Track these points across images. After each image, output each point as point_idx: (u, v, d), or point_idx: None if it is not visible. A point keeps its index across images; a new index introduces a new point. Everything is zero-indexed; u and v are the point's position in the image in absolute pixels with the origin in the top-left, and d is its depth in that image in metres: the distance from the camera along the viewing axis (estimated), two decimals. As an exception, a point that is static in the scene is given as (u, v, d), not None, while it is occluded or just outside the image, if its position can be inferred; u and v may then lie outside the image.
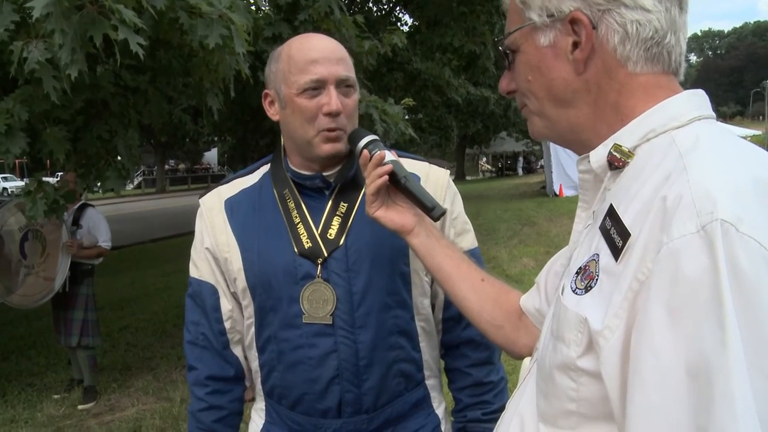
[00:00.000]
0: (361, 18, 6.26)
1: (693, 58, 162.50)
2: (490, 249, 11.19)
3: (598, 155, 0.94)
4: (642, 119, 0.90)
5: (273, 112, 1.58)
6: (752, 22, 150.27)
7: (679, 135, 0.86)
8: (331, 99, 1.45)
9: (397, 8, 13.91)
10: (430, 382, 1.67)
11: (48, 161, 5.19)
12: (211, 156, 51.01)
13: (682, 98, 0.91)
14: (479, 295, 1.31)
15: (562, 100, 0.96)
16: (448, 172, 1.68)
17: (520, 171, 47.11)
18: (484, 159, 56.74)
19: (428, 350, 1.65)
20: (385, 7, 14.08)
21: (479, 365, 1.67)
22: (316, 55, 1.47)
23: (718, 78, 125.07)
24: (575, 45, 0.91)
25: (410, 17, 13.86)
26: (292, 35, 5.15)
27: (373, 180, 1.34)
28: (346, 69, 1.50)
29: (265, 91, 1.59)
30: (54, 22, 2.86)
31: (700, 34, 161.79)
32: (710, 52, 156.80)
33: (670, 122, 0.88)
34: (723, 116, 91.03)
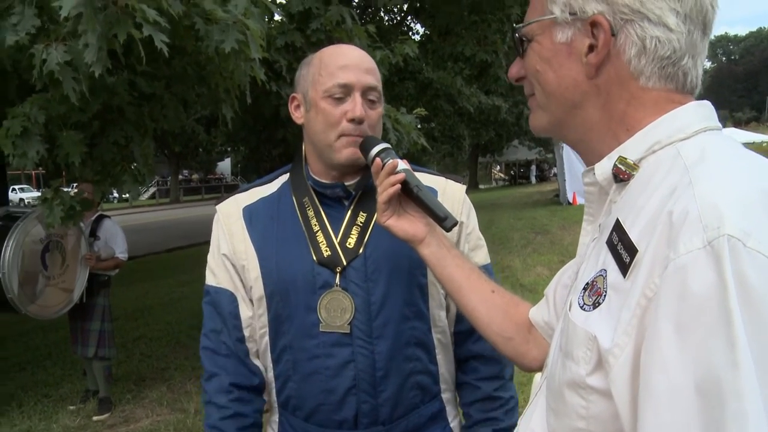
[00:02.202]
0: (372, 28, 6.27)
1: (707, 63, 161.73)
2: (503, 258, 11.15)
3: (603, 168, 0.93)
4: (647, 131, 0.89)
5: (298, 116, 1.59)
6: (767, 27, 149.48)
7: (685, 147, 0.85)
8: (356, 105, 1.47)
9: (409, 17, 13.96)
10: (446, 396, 1.66)
11: (63, 171, 5.23)
12: (225, 166, 51.36)
13: (688, 110, 0.89)
14: (489, 307, 1.30)
15: (570, 99, 0.95)
16: (464, 187, 1.69)
17: (533, 179, 47.02)
18: (497, 167, 56.68)
19: (444, 363, 1.64)
20: (397, 16, 14.13)
21: (489, 379, 1.65)
22: (346, 62, 1.50)
23: (733, 84, 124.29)
24: (591, 48, 0.90)
25: (422, 26, 13.90)
26: (305, 44, 5.17)
27: (386, 188, 1.33)
28: (374, 79, 1.52)
29: (293, 94, 1.60)
30: (85, 22, 2.88)
31: (714, 38, 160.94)
32: (724, 58, 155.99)
33: (675, 134, 0.87)
34: (738, 122, 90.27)
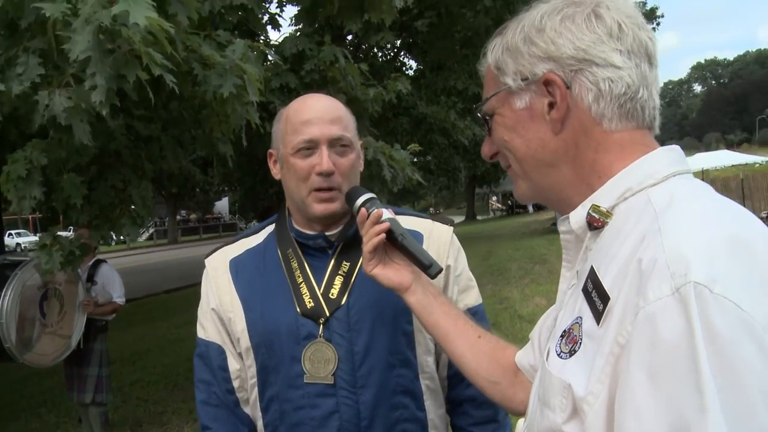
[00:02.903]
0: (365, 66, 6.36)
1: (698, 87, 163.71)
2: (501, 289, 11.13)
3: (578, 216, 0.95)
4: (618, 178, 0.91)
5: (276, 171, 1.62)
6: (754, 50, 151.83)
7: (655, 193, 0.87)
8: (323, 159, 1.48)
9: (402, 53, 14.15)
10: None
11: (61, 216, 5.24)
12: (222, 205, 51.39)
13: (657, 155, 0.92)
14: (475, 352, 1.31)
15: (541, 160, 0.98)
16: (452, 228, 1.69)
17: (530, 208, 47.10)
18: (494, 198, 56.92)
19: (433, 408, 1.63)
20: (390, 52, 14.33)
21: (482, 424, 1.65)
22: (309, 116, 1.51)
23: (724, 106, 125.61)
24: (551, 105, 0.94)
25: (415, 62, 14.09)
26: (299, 85, 5.25)
27: (371, 238, 1.35)
28: (340, 129, 1.53)
29: (270, 150, 1.63)
30: (94, 64, 2.94)
31: (704, 62, 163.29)
32: (713, 81, 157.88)
33: (645, 180, 0.89)
34: (730, 144, 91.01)
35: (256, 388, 1.60)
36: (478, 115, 1.07)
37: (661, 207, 0.82)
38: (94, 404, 5.59)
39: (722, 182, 21.72)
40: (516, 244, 19.07)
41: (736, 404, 0.66)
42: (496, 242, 21.08)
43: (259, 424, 1.63)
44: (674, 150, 0.94)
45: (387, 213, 1.38)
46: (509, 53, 0.98)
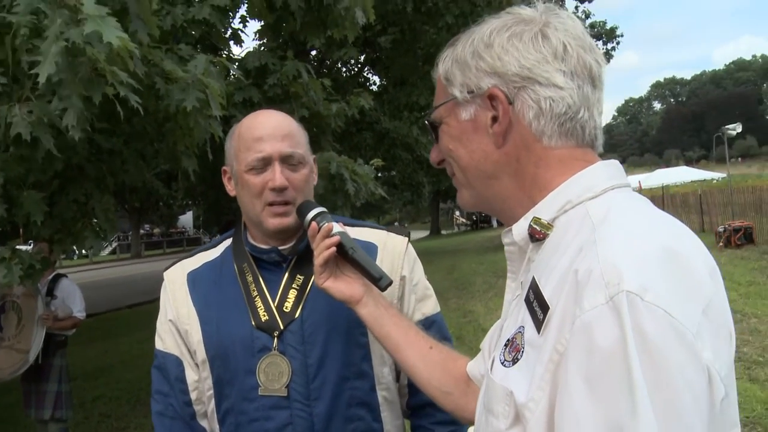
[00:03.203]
0: (328, 81, 6.42)
1: (657, 105, 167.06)
2: (466, 303, 11.23)
3: (520, 228, 0.98)
4: (559, 191, 0.94)
5: (230, 188, 1.65)
6: (709, 70, 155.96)
7: (593, 206, 0.90)
8: (275, 175, 1.51)
9: (366, 69, 14.26)
10: None
11: (21, 229, 5.18)
12: (186, 219, 50.73)
13: (596, 169, 0.95)
14: (427, 363, 1.33)
15: (483, 171, 1.01)
16: (407, 239, 1.71)
17: (494, 223, 47.41)
18: (458, 213, 57.17)
19: (390, 419, 1.65)
20: (354, 68, 14.43)
21: (444, 424, 1.66)
22: (261, 133, 1.54)
23: (683, 124, 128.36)
24: (494, 119, 0.97)
25: (378, 77, 14.21)
26: (262, 99, 5.27)
27: (321, 251, 1.38)
28: (292, 145, 1.56)
29: (224, 167, 1.66)
30: (67, 87, 2.92)
31: (663, 81, 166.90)
32: (672, 99, 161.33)
33: (584, 193, 0.92)
34: (689, 160, 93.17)
35: (213, 400, 1.62)
36: (426, 122, 1.09)
37: (598, 219, 0.85)
38: (53, 421, 5.49)
39: (681, 198, 22.15)
40: (480, 259, 19.21)
41: (668, 408, 0.69)
42: (460, 256, 21.20)
43: None
44: (612, 164, 0.97)
45: (337, 227, 1.41)
46: (458, 65, 1.01)
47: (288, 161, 1.54)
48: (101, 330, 13.41)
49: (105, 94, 3.01)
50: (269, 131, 1.55)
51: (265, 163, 1.52)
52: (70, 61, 2.86)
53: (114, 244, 46.41)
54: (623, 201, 0.91)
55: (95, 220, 5.02)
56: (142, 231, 47.83)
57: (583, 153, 0.97)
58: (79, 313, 5.69)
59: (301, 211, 1.49)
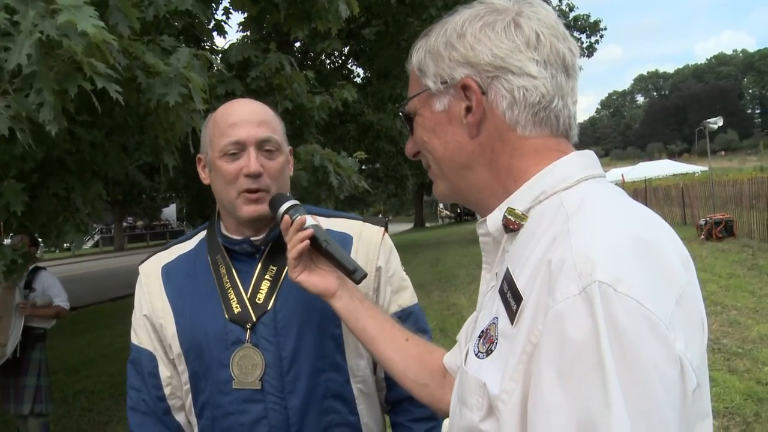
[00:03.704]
0: (311, 74, 6.41)
1: (641, 98, 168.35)
2: (450, 296, 11.25)
3: (494, 219, 0.97)
4: (533, 182, 0.94)
5: (204, 176, 1.62)
6: (692, 64, 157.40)
7: (567, 196, 0.89)
8: (250, 161, 1.48)
9: (350, 61, 14.22)
10: None
11: (1, 224, 5.12)
12: (170, 212, 50.39)
13: (571, 159, 0.95)
14: (403, 355, 1.32)
15: (458, 162, 1.00)
16: (383, 229, 1.69)
17: (478, 216, 47.52)
18: (441, 205, 57.28)
19: (367, 412, 1.63)
20: (338, 60, 14.39)
21: (421, 420, 1.65)
22: (236, 119, 1.51)
23: (665, 117, 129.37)
24: (468, 110, 0.96)
25: (362, 69, 14.19)
26: (245, 92, 5.23)
27: (295, 245, 1.36)
28: (268, 131, 1.53)
29: (198, 155, 1.63)
30: (40, 80, 2.87)
31: (646, 74, 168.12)
32: (655, 93, 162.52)
33: (559, 184, 0.92)
34: (671, 154, 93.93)
35: (190, 395, 1.60)
36: (401, 114, 1.08)
37: (572, 210, 0.84)
38: (33, 415, 5.43)
39: (664, 191, 22.34)
40: (464, 251, 19.25)
41: (640, 399, 0.68)
42: (444, 249, 21.24)
43: (195, 430, 1.62)
44: (587, 155, 0.97)
45: (310, 219, 1.40)
46: (431, 56, 1.00)
47: (263, 147, 1.51)
48: (84, 323, 13.31)
49: (83, 87, 2.97)
50: (245, 117, 1.52)
51: (240, 149, 1.50)
52: (43, 54, 2.82)
53: (97, 237, 46.04)
54: (597, 191, 0.91)
55: (77, 214, 4.96)
56: (125, 224, 47.47)
57: (557, 143, 0.97)
58: (63, 302, 5.63)
59: (274, 204, 1.47)
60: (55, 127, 2.99)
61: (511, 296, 0.85)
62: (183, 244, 1.71)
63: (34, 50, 2.73)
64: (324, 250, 1.38)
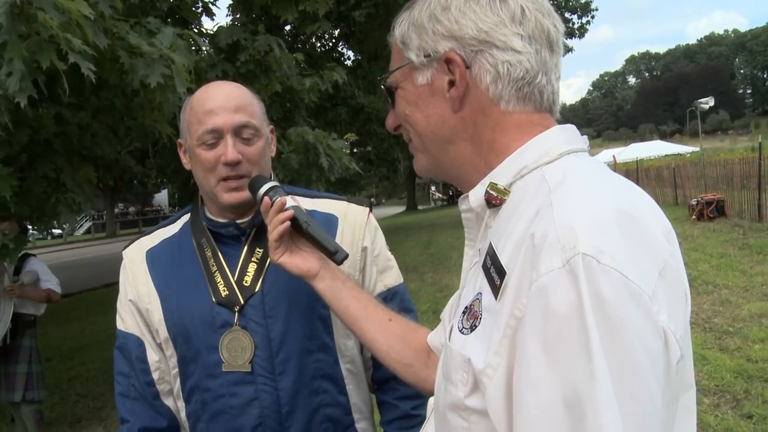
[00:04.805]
0: (301, 56, 6.36)
1: (632, 79, 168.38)
2: (442, 277, 11.27)
3: (477, 194, 0.97)
4: (515, 156, 0.93)
5: (186, 161, 1.59)
6: (683, 44, 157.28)
7: (549, 170, 0.89)
8: (228, 149, 1.46)
9: (340, 43, 14.13)
10: (360, 425, 1.66)
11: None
12: (162, 198, 50.26)
13: (552, 134, 0.94)
14: (387, 335, 1.33)
15: (440, 136, 0.99)
16: (368, 209, 1.69)
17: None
18: (434, 188, 57.34)
19: (356, 393, 1.64)
20: (328, 42, 14.29)
21: (407, 398, 1.66)
22: (211, 106, 1.48)
23: (657, 98, 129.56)
24: (451, 83, 0.95)
25: (352, 52, 14.10)
26: (236, 75, 5.17)
27: (275, 226, 1.36)
28: (245, 116, 1.49)
29: (179, 140, 1.61)
30: (11, 50, 2.82)
31: (637, 55, 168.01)
32: (647, 74, 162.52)
33: (541, 158, 0.91)
34: (663, 135, 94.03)
35: (178, 379, 1.60)
36: (382, 87, 1.07)
37: (554, 183, 0.84)
38: (25, 402, 5.40)
39: (656, 171, 22.39)
40: (456, 233, 19.27)
41: (624, 370, 0.68)
42: (436, 231, 21.26)
43: (183, 415, 1.62)
44: (568, 129, 0.96)
45: (290, 201, 1.39)
46: (414, 29, 0.99)
47: (241, 133, 1.49)
48: (77, 310, 13.29)
49: (57, 65, 2.91)
50: (220, 103, 1.48)
51: (217, 137, 1.47)
52: (14, 22, 2.76)
53: (89, 224, 45.89)
54: (579, 165, 0.90)
55: (69, 194, 4.91)
56: (116, 210, 47.36)
57: (540, 118, 0.96)
58: (54, 286, 5.58)
59: (253, 186, 1.45)
60: (24, 98, 2.93)
61: (494, 271, 0.84)
62: (166, 228, 1.69)
63: (4, 19, 2.67)
64: (305, 232, 1.37)
